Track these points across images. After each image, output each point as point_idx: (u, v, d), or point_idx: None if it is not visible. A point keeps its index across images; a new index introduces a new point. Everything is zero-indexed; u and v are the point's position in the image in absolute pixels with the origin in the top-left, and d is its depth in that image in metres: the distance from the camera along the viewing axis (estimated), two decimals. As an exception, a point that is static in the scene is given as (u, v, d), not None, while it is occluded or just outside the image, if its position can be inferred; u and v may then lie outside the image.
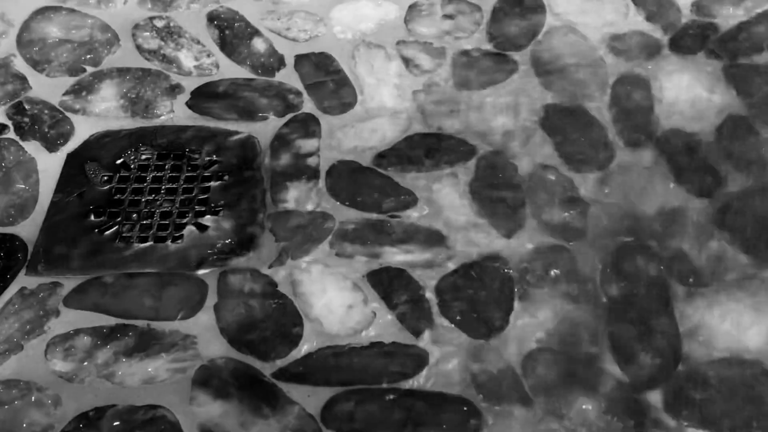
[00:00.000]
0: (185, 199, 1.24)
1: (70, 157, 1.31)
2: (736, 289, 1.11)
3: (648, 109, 1.34)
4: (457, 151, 1.29)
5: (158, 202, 1.23)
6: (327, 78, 1.42)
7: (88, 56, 1.45)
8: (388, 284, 1.13)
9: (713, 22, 1.47)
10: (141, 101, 1.39)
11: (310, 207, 1.23)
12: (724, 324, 1.07)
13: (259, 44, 1.48)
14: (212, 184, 1.26)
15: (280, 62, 1.45)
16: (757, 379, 1.02)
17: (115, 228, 1.20)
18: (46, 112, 1.37)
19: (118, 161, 1.29)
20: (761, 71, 1.39)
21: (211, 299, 1.12)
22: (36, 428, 1.00)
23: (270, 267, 1.15)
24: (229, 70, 1.44)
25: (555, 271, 1.13)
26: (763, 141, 1.28)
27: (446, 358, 1.05)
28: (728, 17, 1.48)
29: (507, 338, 1.07)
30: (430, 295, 1.12)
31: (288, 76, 1.42)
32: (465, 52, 1.45)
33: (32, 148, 1.32)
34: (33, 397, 1.03)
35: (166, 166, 1.28)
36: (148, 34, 1.49)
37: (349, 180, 1.26)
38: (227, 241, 1.18)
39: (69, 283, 1.14)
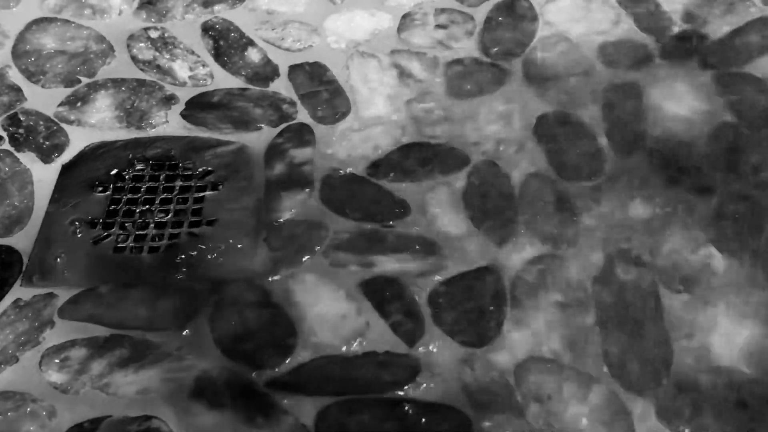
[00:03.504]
0: (180, 209, 1.24)
1: (65, 168, 1.31)
2: (727, 295, 1.11)
3: (639, 117, 1.35)
4: (450, 160, 1.30)
5: (153, 213, 1.24)
6: (321, 88, 1.43)
7: (83, 67, 1.46)
8: (382, 294, 1.13)
9: (704, 30, 1.48)
10: (136, 112, 1.39)
11: (304, 216, 1.23)
12: (715, 331, 1.08)
13: (253, 54, 1.49)
14: (207, 194, 1.27)
15: (275, 72, 1.46)
16: (746, 387, 1.03)
17: (109, 239, 1.21)
18: (41, 123, 1.38)
19: (113, 172, 1.30)
20: (752, 80, 1.39)
21: (206, 310, 1.12)
22: (31, 439, 1.01)
23: (264, 277, 1.16)
24: (224, 80, 1.44)
25: (547, 279, 1.14)
26: (753, 149, 1.29)
27: (439, 368, 1.06)
28: (719, 26, 1.49)
29: (499, 347, 1.08)
30: (423, 304, 1.12)
31: (282, 86, 1.43)
32: (458, 62, 1.45)
33: (27, 159, 1.33)
34: (28, 409, 1.03)
35: (161, 177, 1.29)
36: (142, 44, 1.50)
37: (343, 189, 1.27)
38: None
39: (64, 294, 1.15)
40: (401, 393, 1.04)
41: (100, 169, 1.30)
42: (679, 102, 1.36)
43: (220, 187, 1.27)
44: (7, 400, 1.04)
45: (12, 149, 1.34)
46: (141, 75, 1.45)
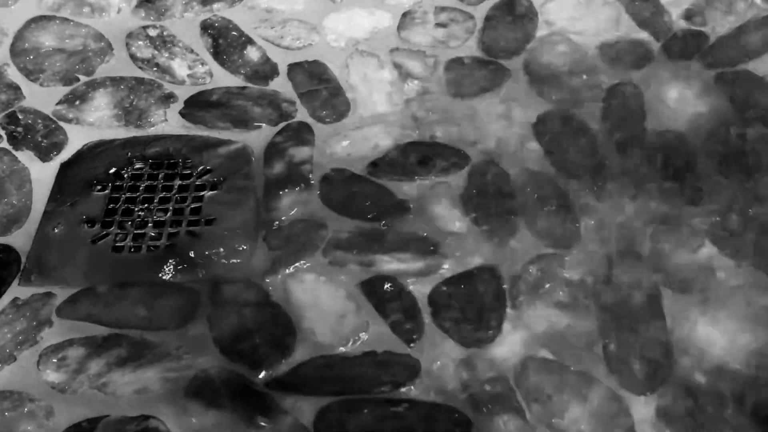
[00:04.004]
0: (178, 208, 1.24)
1: (64, 166, 1.31)
2: (727, 295, 1.11)
3: (640, 116, 1.35)
4: (450, 159, 1.29)
5: (151, 212, 1.23)
6: (320, 86, 1.42)
7: (82, 65, 1.46)
8: (381, 293, 1.13)
9: (705, 29, 1.48)
10: (134, 110, 1.39)
11: (303, 216, 1.23)
12: (715, 332, 1.07)
13: (252, 53, 1.48)
14: (205, 193, 1.26)
15: (274, 71, 1.45)
16: (746, 387, 1.02)
17: (108, 238, 1.20)
18: (39, 121, 1.37)
19: (112, 171, 1.29)
20: (752, 78, 1.39)
21: (204, 309, 1.12)
22: (28, 439, 1.01)
23: (263, 276, 1.15)
24: (223, 78, 1.44)
25: (547, 279, 1.14)
26: (754, 148, 1.29)
27: (439, 367, 1.06)
28: (720, 25, 1.48)
29: (499, 347, 1.07)
30: (422, 303, 1.12)
31: (281, 85, 1.43)
32: (458, 60, 1.45)
33: (25, 157, 1.33)
34: (26, 409, 1.03)
35: (160, 176, 1.29)
36: (141, 43, 1.50)
37: (343, 188, 1.26)
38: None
39: (62, 293, 1.14)
40: (401, 393, 1.03)
41: (98, 168, 1.30)
42: (680, 101, 1.36)
43: (219, 186, 1.27)
44: (4, 399, 1.04)
45: (10, 148, 1.34)
46: (140, 73, 1.45)
